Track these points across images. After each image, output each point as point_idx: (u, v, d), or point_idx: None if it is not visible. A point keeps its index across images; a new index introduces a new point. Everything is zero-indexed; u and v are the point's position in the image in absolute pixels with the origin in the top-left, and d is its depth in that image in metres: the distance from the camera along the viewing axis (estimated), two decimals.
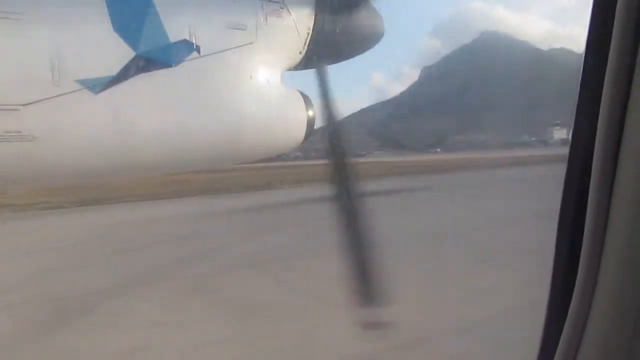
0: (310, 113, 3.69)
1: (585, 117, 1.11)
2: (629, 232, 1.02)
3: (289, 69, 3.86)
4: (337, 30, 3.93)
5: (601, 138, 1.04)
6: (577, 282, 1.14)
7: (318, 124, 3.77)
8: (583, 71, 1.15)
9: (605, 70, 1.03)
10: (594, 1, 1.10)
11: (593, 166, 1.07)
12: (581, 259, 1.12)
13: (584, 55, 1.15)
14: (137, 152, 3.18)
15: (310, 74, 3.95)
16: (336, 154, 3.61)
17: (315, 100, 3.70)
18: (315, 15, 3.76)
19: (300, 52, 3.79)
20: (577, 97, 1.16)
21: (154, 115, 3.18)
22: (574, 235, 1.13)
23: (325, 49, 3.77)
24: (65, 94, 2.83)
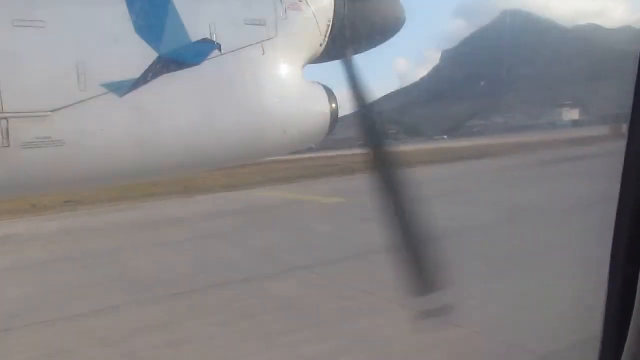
0: (334, 105, 3.67)
1: None
2: None
3: (310, 62, 3.84)
4: (358, 21, 3.88)
5: None
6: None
7: (350, 115, 3.76)
8: None
9: None
10: None
11: None
12: None
13: None
14: (163, 152, 3.21)
15: (332, 66, 3.95)
16: (375, 142, 3.60)
17: (341, 91, 3.69)
18: (335, 7, 3.72)
19: (320, 45, 3.77)
20: (634, 95, 1.12)
21: (178, 115, 3.21)
22: (634, 234, 1.08)
23: (346, 41, 3.74)
24: (91, 98, 2.87)
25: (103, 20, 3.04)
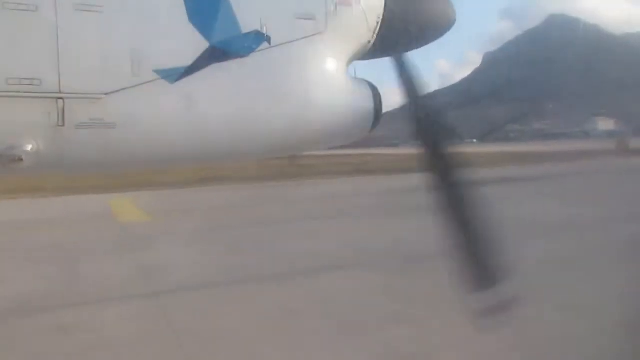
0: (378, 103, 3.66)
1: None
2: None
3: (358, 59, 3.84)
4: (408, 20, 3.85)
5: None
6: None
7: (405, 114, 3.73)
8: None
9: None
10: None
11: None
12: None
13: None
14: (210, 140, 3.27)
15: (379, 63, 3.93)
16: (432, 140, 3.60)
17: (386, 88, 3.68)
18: (385, 4, 3.70)
19: (369, 42, 3.76)
20: None
21: (225, 105, 3.26)
22: None
23: (395, 38, 3.72)
24: (143, 83, 2.95)
25: (158, 8, 3.11)
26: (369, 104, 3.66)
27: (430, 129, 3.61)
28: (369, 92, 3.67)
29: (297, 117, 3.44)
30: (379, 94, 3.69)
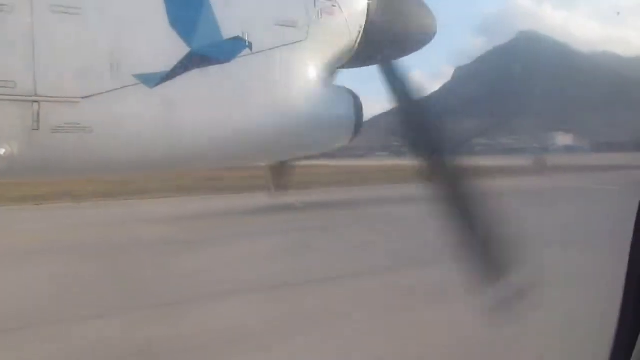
0: (359, 111, 3.67)
1: None
2: None
3: (339, 67, 3.85)
4: (390, 29, 3.89)
5: None
6: None
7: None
8: None
9: None
10: None
11: None
12: None
13: None
14: (188, 146, 3.21)
15: (361, 72, 3.95)
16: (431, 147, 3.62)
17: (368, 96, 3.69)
18: (368, 14, 3.73)
19: (351, 50, 3.77)
20: None
21: (205, 111, 3.22)
22: None
23: (377, 48, 3.74)
24: (122, 87, 2.88)
25: (138, 11, 3.06)
26: (349, 112, 3.66)
27: (425, 135, 3.64)
28: (350, 101, 3.68)
29: (277, 124, 3.42)
30: (360, 102, 3.70)
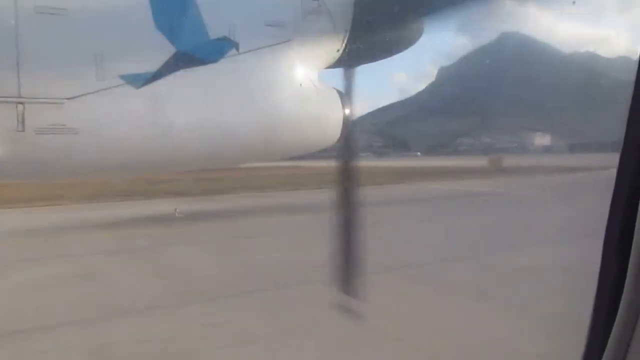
0: (347, 111, 3.67)
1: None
2: None
3: (326, 67, 3.85)
4: (376, 30, 3.90)
5: None
6: (626, 284, 1.10)
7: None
8: (637, 79, 1.11)
9: None
10: None
11: None
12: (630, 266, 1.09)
13: (638, 63, 1.11)
14: (174, 146, 3.20)
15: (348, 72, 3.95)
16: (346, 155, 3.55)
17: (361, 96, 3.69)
18: (354, 15, 3.74)
19: (337, 51, 3.78)
20: (629, 106, 1.13)
21: (191, 111, 3.21)
22: (624, 236, 1.10)
23: (363, 49, 3.76)
24: (107, 88, 2.86)
25: (124, 12, 3.04)
26: (337, 112, 3.66)
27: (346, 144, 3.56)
28: (337, 100, 3.68)
29: (264, 124, 3.41)
30: (349, 102, 3.70)
